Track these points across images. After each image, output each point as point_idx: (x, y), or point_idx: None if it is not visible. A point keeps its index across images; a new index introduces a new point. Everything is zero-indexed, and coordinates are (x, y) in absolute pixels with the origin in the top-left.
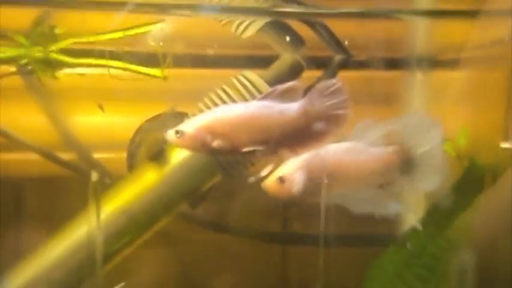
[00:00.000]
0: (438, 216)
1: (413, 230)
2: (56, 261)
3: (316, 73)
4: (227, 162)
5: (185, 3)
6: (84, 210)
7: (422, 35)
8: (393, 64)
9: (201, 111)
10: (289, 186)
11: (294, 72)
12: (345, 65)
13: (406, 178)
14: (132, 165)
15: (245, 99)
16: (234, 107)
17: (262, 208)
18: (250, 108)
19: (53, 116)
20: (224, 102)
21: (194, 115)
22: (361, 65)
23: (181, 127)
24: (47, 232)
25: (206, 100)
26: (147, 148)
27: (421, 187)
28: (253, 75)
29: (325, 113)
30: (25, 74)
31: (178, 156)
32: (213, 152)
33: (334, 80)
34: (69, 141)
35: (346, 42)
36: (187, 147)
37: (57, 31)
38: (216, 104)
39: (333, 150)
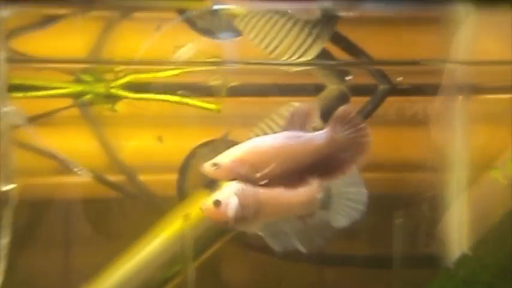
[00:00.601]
0: (491, 243)
1: (465, 257)
2: (118, 283)
3: (362, 100)
4: None
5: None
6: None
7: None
8: (434, 90)
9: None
10: (223, 210)
11: (340, 101)
12: (389, 94)
13: (324, 212)
14: (181, 188)
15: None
16: (264, 139)
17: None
18: (279, 139)
19: (104, 141)
20: (273, 131)
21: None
22: (405, 92)
23: (217, 159)
24: (99, 252)
25: (256, 129)
26: (201, 175)
27: (333, 222)
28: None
29: (350, 140)
30: (82, 106)
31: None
32: (248, 183)
33: (348, 107)
34: (118, 164)
35: (401, 79)
36: (224, 178)
37: (117, 69)
38: (266, 133)
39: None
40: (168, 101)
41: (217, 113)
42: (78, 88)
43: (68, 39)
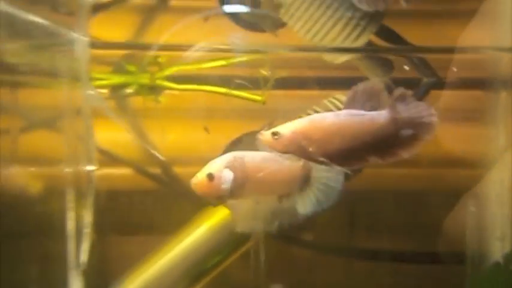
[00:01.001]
0: None
1: None
2: (163, 272)
3: None
4: None
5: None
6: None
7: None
8: (479, 84)
9: None
10: (217, 183)
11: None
12: (434, 87)
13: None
14: None
15: None
16: (326, 115)
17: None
18: (341, 116)
19: (141, 133)
20: None
21: None
22: (449, 85)
23: (278, 129)
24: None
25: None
26: None
27: (299, 207)
28: (344, 97)
29: (414, 121)
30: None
31: None
32: (305, 158)
33: (403, 89)
34: (153, 156)
35: (455, 69)
36: (282, 150)
37: (160, 59)
38: None
39: (251, 156)
40: (213, 91)
41: (261, 106)
42: (121, 79)
43: (108, 30)
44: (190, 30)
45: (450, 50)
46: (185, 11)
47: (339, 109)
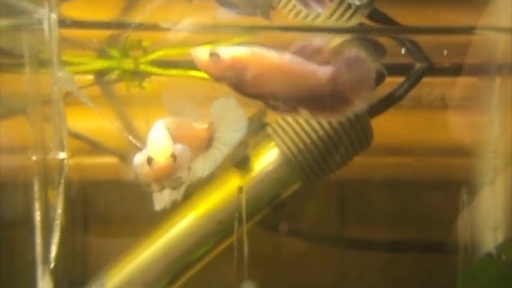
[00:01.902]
0: None
1: (508, 243)
2: (148, 263)
3: (398, 80)
4: (309, 168)
5: (272, 25)
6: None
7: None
8: (473, 70)
9: (283, 118)
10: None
11: (376, 79)
12: (427, 72)
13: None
14: None
15: None
16: (271, 53)
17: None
18: (285, 58)
19: (126, 121)
20: None
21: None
22: (442, 72)
23: (217, 49)
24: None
25: None
26: (231, 155)
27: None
28: None
29: (351, 85)
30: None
31: (261, 163)
32: (238, 91)
33: (362, 54)
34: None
35: (446, 52)
36: (217, 75)
37: (144, 43)
38: None
39: (170, 122)
40: (200, 77)
41: None
42: (104, 64)
43: (90, 13)
44: (173, 11)
45: (442, 31)
46: None
47: None
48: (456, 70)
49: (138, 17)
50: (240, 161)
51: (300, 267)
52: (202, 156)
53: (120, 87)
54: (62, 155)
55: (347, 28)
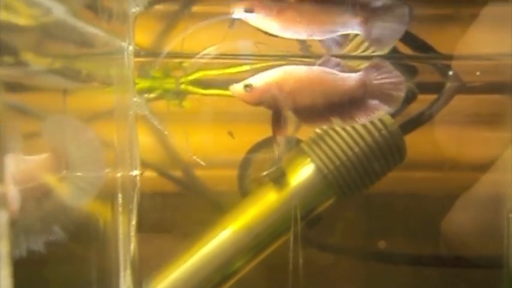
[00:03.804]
0: None
1: None
2: (188, 274)
3: (430, 98)
4: (344, 184)
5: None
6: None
7: None
8: (498, 88)
9: (318, 134)
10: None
11: (408, 99)
12: (459, 91)
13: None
14: (243, 184)
15: (364, 125)
16: (300, 68)
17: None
18: (314, 71)
19: (163, 137)
20: (344, 129)
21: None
22: (474, 90)
23: (251, 80)
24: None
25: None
26: (269, 170)
27: None
28: None
29: (381, 90)
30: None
31: (297, 178)
32: (275, 110)
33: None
34: (175, 159)
35: (478, 73)
36: (255, 102)
37: (184, 64)
38: (333, 128)
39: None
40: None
41: None
42: (146, 83)
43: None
44: (213, 36)
45: (474, 57)
46: (208, 17)
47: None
48: (486, 88)
49: (177, 40)
50: (276, 176)
51: (326, 280)
52: None
53: (158, 104)
54: (136, 172)
55: (380, 56)
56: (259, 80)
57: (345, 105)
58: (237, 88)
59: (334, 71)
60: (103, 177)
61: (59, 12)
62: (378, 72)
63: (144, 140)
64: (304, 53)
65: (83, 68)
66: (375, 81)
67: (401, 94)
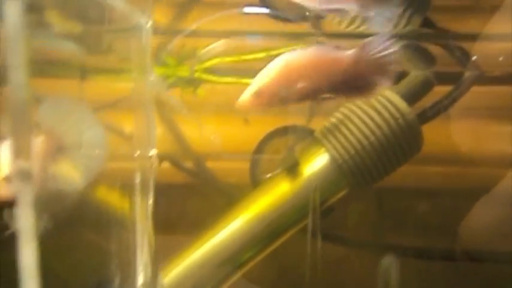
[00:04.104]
0: None
1: None
2: (199, 263)
3: (447, 88)
4: (359, 174)
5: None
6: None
7: None
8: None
9: (332, 124)
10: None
11: (425, 88)
12: (477, 81)
13: None
14: (254, 175)
15: (380, 114)
16: (294, 55)
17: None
18: (308, 51)
19: (175, 126)
20: (357, 115)
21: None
22: (493, 80)
23: (254, 88)
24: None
25: (333, 117)
26: (282, 159)
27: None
28: (389, 92)
29: (377, 66)
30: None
31: (311, 168)
32: (284, 104)
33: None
34: (186, 150)
35: (501, 58)
36: (267, 105)
37: (199, 52)
38: (348, 117)
39: None
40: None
41: None
42: (160, 71)
43: None
44: (228, 22)
45: (493, 37)
46: (220, 5)
47: (379, 102)
48: (506, 79)
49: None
50: (290, 166)
51: (337, 273)
52: None
53: (172, 93)
54: (153, 151)
55: (398, 34)
56: (264, 82)
57: (344, 82)
58: (246, 98)
59: (329, 50)
60: (102, 157)
61: None
62: (370, 47)
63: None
64: (317, 30)
65: (104, 39)
66: (370, 56)
67: (392, 67)
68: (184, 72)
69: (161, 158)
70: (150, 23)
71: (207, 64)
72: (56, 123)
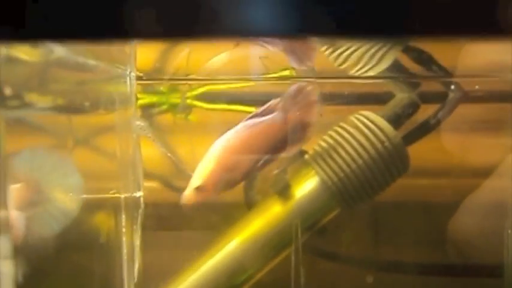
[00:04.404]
0: None
1: None
2: (196, 285)
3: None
4: (348, 195)
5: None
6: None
7: None
8: (505, 96)
9: (322, 147)
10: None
11: (410, 110)
12: (462, 101)
13: None
14: (249, 195)
15: (367, 138)
16: (227, 137)
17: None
18: (241, 132)
19: (170, 149)
20: (343, 139)
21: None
22: (477, 99)
23: (195, 183)
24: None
25: (326, 137)
26: (272, 182)
27: None
28: (373, 114)
29: (298, 117)
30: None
31: (302, 190)
32: (234, 185)
33: (302, 84)
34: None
35: (477, 87)
36: (215, 194)
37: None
38: (335, 140)
39: None
40: (241, 111)
41: None
42: (153, 99)
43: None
44: (218, 50)
45: (476, 75)
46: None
47: (366, 126)
48: (489, 97)
49: (181, 56)
50: (281, 188)
51: None
52: None
53: (164, 117)
54: (139, 194)
55: (384, 76)
56: (205, 174)
57: (277, 143)
58: (190, 195)
59: (256, 120)
60: (79, 204)
61: (60, 51)
62: (292, 101)
63: (148, 152)
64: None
65: (86, 100)
66: (292, 112)
67: (314, 116)
68: (176, 99)
69: (153, 177)
70: (133, 73)
71: (199, 91)
72: (33, 172)
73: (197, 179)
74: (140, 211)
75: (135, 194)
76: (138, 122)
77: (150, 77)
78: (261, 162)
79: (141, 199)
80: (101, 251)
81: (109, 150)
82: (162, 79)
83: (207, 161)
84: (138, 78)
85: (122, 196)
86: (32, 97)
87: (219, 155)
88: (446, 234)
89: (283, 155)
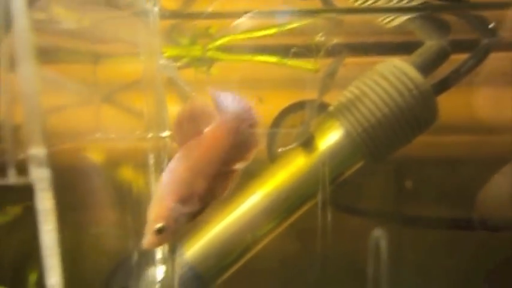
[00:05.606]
0: None
1: None
2: (221, 237)
3: (463, 56)
4: (374, 147)
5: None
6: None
7: None
8: None
9: (347, 98)
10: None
11: (440, 57)
12: (493, 48)
13: None
14: (271, 150)
15: (394, 86)
16: (170, 168)
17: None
18: (182, 159)
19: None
20: (368, 87)
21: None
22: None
23: (154, 226)
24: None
25: (351, 87)
26: (296, 135)
27: None
28: (400, 62)
29: (240, 116)
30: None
31: (326, 142)
32: (194, 218)
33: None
34: None
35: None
36: (175, 233)
37: (211, 30)
38: (362, 91)
39: None
40: (265, 61)
41: (313, 75)
42: (174, 51)
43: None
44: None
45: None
46: None
47: (393, 74)
48: None
49: (204, 6)
50: (305, 140)
51: (356, 244)
52: None
53: (186, 72)
54: (165, 133)
55: (409, 7)
56: (160, 213)
57: (235, 146)
58: (150, 239)
59: (197, 141)
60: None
61: None
62: (227, 103)
63: (172, 109)
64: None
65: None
66: (231, 111)
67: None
68: (197, 51)
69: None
70: (156, 8)
71: (219, 42)
72: None
73: (155, 220)
74: (167, 150)
75: (161, 135)
76: (162, 61)
77: (174, 14)
78: (223, 172)
79: (167, 139)
80: (132, 201)
81: (135, 100)
82: (186, 15)
83: (160, 199)
84: (162, 15)
85: (149, 136)
86: (59, 13)
87: (171, 189)
88: (471, 197)
89: (237, 166)
